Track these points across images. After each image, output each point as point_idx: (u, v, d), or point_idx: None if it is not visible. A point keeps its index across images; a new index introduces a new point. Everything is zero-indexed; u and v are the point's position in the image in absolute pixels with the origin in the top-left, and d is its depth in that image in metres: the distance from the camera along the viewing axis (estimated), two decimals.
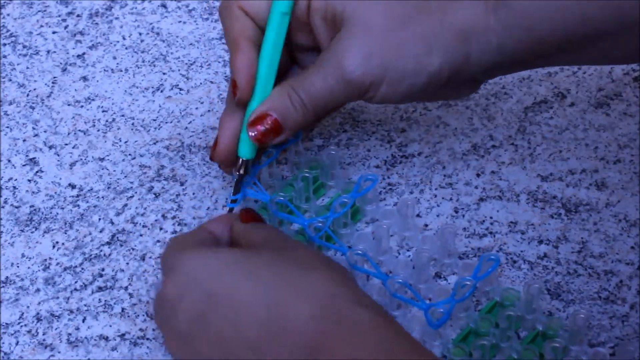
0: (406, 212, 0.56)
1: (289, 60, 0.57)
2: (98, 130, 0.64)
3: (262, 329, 0.44)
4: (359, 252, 0.53)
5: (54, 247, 0.58)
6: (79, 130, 0.64)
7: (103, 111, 0.65)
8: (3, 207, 0.60)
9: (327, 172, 0.59)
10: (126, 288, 0.56)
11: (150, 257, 0.57)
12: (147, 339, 0.53)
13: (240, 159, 0.55)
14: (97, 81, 0.67)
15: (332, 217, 0.54)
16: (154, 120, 0.65)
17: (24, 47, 0.69)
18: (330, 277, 0.46)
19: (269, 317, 0.44)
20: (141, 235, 0.58)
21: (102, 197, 0.60)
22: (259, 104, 0.53)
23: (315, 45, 0.55)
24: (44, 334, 0.54)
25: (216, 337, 0.45)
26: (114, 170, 0.62)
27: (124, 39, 0.70)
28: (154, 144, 0.63)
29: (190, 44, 0.69)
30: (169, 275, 0.48)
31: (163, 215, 0.59)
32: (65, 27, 0.71)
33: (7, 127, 0.64)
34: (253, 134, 0.53)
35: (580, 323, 0.50)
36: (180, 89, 0.67)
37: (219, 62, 0.68)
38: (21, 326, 0.54)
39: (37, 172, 0.62)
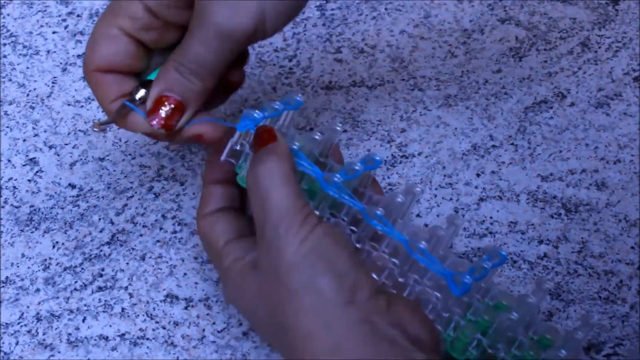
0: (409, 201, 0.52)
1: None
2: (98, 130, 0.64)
3: None
4: (378, 211, 0.49)
5: (54, 247, 0.58)
6: (79, 130, 0.64)
7: (103, 111, 0.65)
8: (3, 207, 0.60)
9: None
10: (126, 288, 0.56)
11: (150, 257, 0.57)
12: (147, 339, 0.53)
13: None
14: None
15: (343, 178, 0.50)
16: None
17: (24, 47, 0.69)
18: None
19: None
20: (141, 235, 0.58)
21: (102, 197, 0.60)
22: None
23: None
24: (44, 334, 0.54)
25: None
26: (114, 170, 0.62)
27: None
28: (154, 144, 0.63)
29: None
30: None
31: (163, 215, 0.59)
32: (66, 27, 0.71)
33: (7, 127, 0.64)
34: (155, 122, 0.50)
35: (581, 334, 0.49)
36: None
37: None
38: (21, 326, 0.54)
39: (37, 172, 0.62)
